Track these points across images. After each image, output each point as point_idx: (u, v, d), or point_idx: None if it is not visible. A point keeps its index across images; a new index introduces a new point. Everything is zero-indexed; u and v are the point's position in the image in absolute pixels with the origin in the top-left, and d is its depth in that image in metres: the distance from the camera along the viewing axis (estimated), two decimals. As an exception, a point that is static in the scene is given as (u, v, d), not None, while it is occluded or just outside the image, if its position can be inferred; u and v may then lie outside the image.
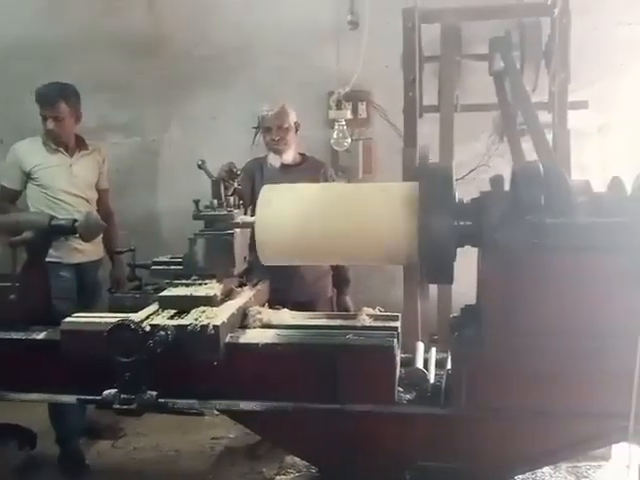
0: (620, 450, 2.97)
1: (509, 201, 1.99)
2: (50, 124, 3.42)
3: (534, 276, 1.95)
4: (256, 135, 3.51)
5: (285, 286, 3.00)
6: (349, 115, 3.41)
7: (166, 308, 2.19)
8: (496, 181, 2.06)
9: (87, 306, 3.23)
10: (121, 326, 2.01)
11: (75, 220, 2.65)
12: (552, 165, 2.12)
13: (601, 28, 3.95)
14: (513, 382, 2.04)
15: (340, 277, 3.61)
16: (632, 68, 3.93)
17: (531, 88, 3.24)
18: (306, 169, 3.45)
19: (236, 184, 2.49)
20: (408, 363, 2.40)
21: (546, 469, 2.92)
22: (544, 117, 3.24)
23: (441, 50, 3.32)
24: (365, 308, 2.48)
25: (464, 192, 2.22)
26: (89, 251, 3.55)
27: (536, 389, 2.03)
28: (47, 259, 2.85)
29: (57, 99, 3.42)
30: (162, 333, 2.01)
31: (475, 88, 3.79)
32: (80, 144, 3.59)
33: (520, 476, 2.77)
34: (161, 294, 2.26)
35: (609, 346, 1.93)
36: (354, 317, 2.44)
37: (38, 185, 3.47)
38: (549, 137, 3.08)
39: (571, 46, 3.26)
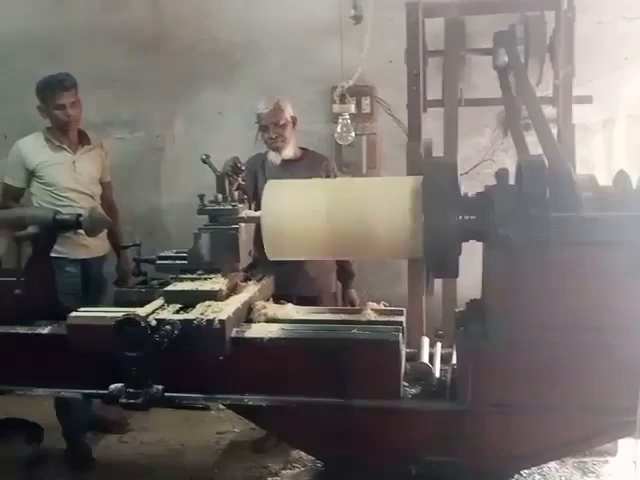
0: (626, 445, 2.98)
1: (514, 195, 1.99)
2: (67, 112, 3.40)
3: (539, 270, 1.95)
4: (258, 133, 3.51)
5: (289, 281, 3.00)
6: (353, 109, 3.40)
7: (172, 303, 2.20)
8: (501, 175, 2.05)
9: (92, 301, 3.24)
10: (127, 321, 2.02)
11: (79, 215, 2.66)
12: (557, 159, 2.12)
13: (606, 22, 3.93)
14: (518, 377, 2.04)
15: (345, 271, 3.61)
16: (636, 62, 3.91)
17: (535, 82, 3.23)
18: (307, 163, 3.45)
19: (240, 179, 2.49)
20: (413, 358, 2.41)
21: (552, 464, 2.93)
22: (549, 111, 3.23)
23: (445, 44, 3.31)
24: (370, 303, 2.48)
25: (469, 187, 2.22)
26: (94, 246, 3.55)
27: (541, 384, 2.03)
28: (53, 254, 2.86)
29: (71, 84, 3.43)
30: (168, 327, 2.02)
31: (479, 82, 3.78)
32: (83, 139, 3.59)
33: (526, 471, 2.79)
34: (167, 289, 2.27)
35: (614, 340, 1.93)
36: (359, 312, 2.45)
37: (42, 183, 3.47)
38: (554, 131, 3.07)
39: (575, 40, 3.25)
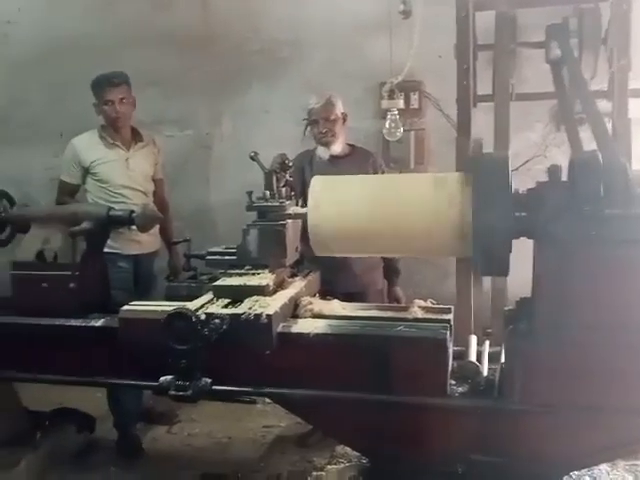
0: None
1: (566, 192, 1.94)
2: (115, 108, 3.49)
3: (591, 269, 1.91)
4: (306, 128, 3.52)
5: (335, 277, 3.01)
6: (401, 105, 3.38)
7: (220, 297, 2.24)
8: (553, 171, 2.01)
9: (143, 296, 3.29)
10: (177, 314, 2.06)
11: (132, 211, 2.72)
12: (612, 155, 2.06)
13: (664, 13, 3.80)
14: (568, 377, 2.00)
15: (390, 268, 3.59)
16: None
17: (590, 76, 3.15)
18: (355, 159, 3.45)
19: (288, 176, 2.51)
20: (461, 356, 2.38)
21: (603, 466, 2.84)
22: (603, 106, 3.14)
23: (495, 38, 3.25)
24: (417, 300, 2.46)
25: (520, 183, 2.18)
26: (146, 242, 3.63)
27: (591, 384, 1.99)
28: (106, 250, 2.93)
29: (122, 80, 3.51)
30: (217, 321, 2.05)
31: (531, 77, 3.70)
32: (136, 136, 3.67)
33: (576, 472, 2.72)
34: (215, 283, 2.31)
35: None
36: (405, 309, 2.43)
37: (97, 180, 3.55)
38: (609, 126, 2.99)
39: (632, 32, 3.15)
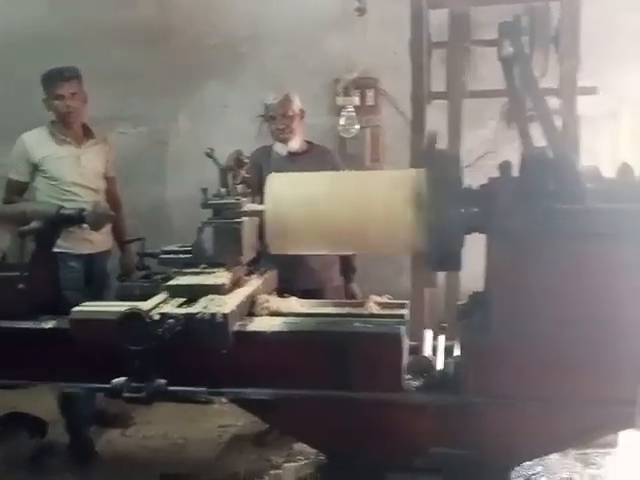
0: (628, 437, 2.97)
1: (518, 187, 1.98)
2: (66, 103, 3.41)
3: (542, 263, 1.95)
4: (261, 124, 3.50)
5: (293, 274, 3.00)
6: (357, 101, 3.40)
7: (175, 297, 2.20)
8: (505, 167, 2.04)
9: (96, 296, 3.23)
10: (130, 315, 2.02)
11: (83, 209, 2.66)
12: (562, 151, 2.11)
13: (611, 13, 3.90)
14: (520, 369, 2.04)
15: (347, 265, 3.60)
16: (642, 54, 3.89)
17: (540, 74, 3.20)
18: (313, 156, 3.44)
19: (244, 172, 2.49)
20: (416, 351, 2.40)
21: (554, 456, 2.91)
22: (554, 103, 3.20)
23: (449, 36, 3.29)
24: (373, 296, 2.48)
25: (472, 179, 2.21)
26: (98, 241, 3.56)
27: (543, 376, 2.03)
28: (56, 249, 2.87)
29: (73, 75, 3.43)
30: (171, 321, 2.02)
31: (485, 74, 3.75)
32: (87, 133, 3.59)
33: (528, 462, 2.78)
34: (170, 283, 2.27)
35: (616, 333, 1.93)
36: (362, 305, 2.45)
37: (47, 178, 3.47)
38: (558, 123, 3.05)
39: (581, 31, 3.23)
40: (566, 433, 2.14)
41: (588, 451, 3.11)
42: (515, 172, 2.06)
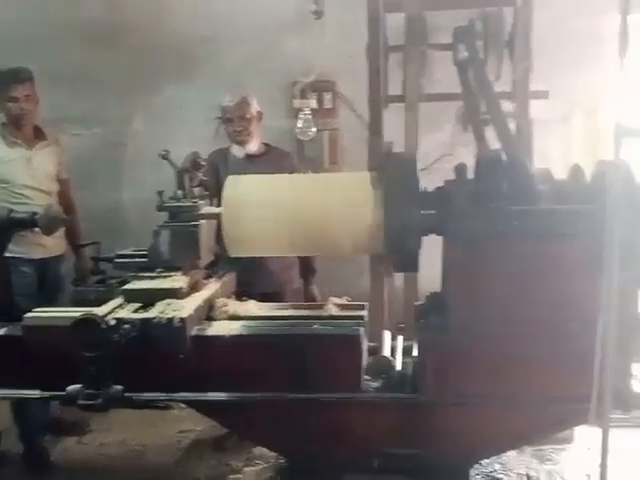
0: (582, 432, 3.05)
1: (472, 190, 2.01)
2: (20, 105, 3.33)
3: (497, 263, 1.98)
4: (218, 126, 3.47)
5: (252, 277, 2.99)
6: (314, 104, 3.40)
7: (131, 301, 2.17)
8: (460, 170, 2.08)
9: (50, 302, 3.16)
10: (85, 320, 1.99)
11: (35, 213, 2.60)
12: (514, 154, 2.15)
13: (563, 19, 3.99)
14: (477, 368, 2.07)
15: (306, 267, 3.60)
16: (592, 58, 3.99)
17: (495, 78, 3.26)
18: (270, 159, 3.43)
19: (201, 175, 2.47)
20: (375, 351, 2.42)
21: (511, 453, 2.98)
22: (507, 107, 3.27)
23: (406, 40, 3.32)
24: (332, 298, 2.49)
25: (430, 182, 2.24)
26: (51, 245, 3.47)
27: (500, 375, 2.06)
28: (8, 254, 2.79)
29: (27, 77, 3.36)
30: (127, 327, 1.99)
31: (442, 78, 3.79)
32: (38, 135, 3.51)
33: (486, 460, 2.83)
34: (125, 287, 2.24)
35: (571, 331, 1.97)
36: (321, 307, 2.45)
37: (-3, 180, 3.38)
38: (512, 126, 3.11)
39: (533, 36, 3.30)
40: (523, 430, 2.19)
41: (544, 447, 3.18)
42: (470, 174, 2.09)
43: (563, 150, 4.08)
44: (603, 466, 1.83)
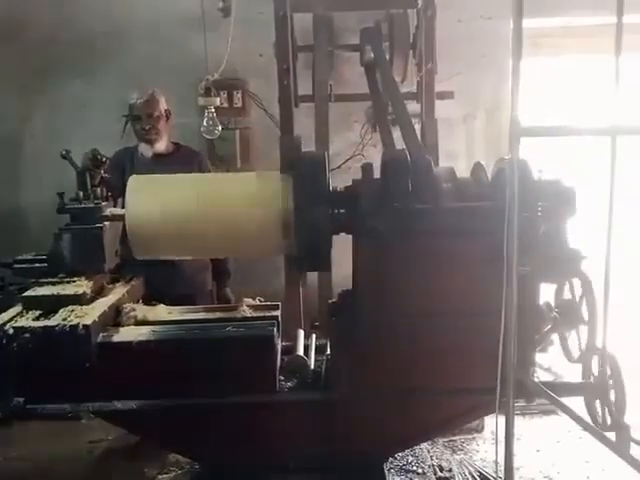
0: (491, 421, 3.17)
1: (379, 189, 2.04)
2: None
3: (404, 260, 2.03)
4: (126, 124, 3.37)
5: (164, 280, 2.90)
6: (218, 102, 3.36)
7: (31, 309, 2.08)
8: (366, 169, 2.11)
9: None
10: (-20, 331, 1.88)
11: None
12: (418, 153, 2.20)
13: (465, 21, 4.13)
14: (388, 363, 2.11)
15: (220, 269, 3.55)
16: (493, 59, 4.15)
17: (400, 79, 3.34)
18: (180, 158, 3.36)
19: (102, 172, 2.38)
20: (290, 351, 2.42)
21: (424, 445, 3.06)
22: (413, 107, 3.35)
23: (314, 40, 3.34)
24: (245, 299, 2.46)
25: (341, 181, 2.26)
26: (-57, 251, 3.26)
27: (411, 369, 2.11)
28: None
29: None
30: (27, 336, 1.91)
31: (350, 78, 3.85)
32: None
33: (400, 454, 2.89)
34: (25, 294, 2.14)
35: (475, 325, 2.04)
36: (234, 309, 2.43)
37: None
38: (418, 126, 3.19)
39: (437, 38, 3.40)
40: (434, 422, 2.24)
41: (455, 438, 3.28)
42: (377, 174, 2.13)
43: (467, 148, 4.22)
44: (508, 452, 1.90)
